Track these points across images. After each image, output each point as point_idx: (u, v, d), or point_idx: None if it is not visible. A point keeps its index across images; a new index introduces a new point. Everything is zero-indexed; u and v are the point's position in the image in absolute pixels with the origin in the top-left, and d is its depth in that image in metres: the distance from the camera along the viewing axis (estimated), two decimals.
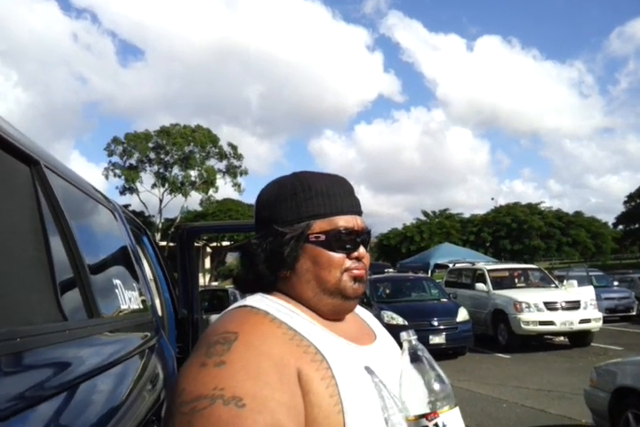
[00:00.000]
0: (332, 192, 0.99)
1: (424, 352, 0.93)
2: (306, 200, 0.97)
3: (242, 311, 0.93)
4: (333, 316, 1.00)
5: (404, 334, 0.95)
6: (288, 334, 0.89)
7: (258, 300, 0.96)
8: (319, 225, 0.96)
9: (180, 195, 39.30)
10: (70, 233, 1.42)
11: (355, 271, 0.98)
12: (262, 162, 68.69)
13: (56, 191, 1.40)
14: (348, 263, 0.97)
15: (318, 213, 0.97)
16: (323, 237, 0.96)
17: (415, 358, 0.92)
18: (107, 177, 38.74)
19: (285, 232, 0.96)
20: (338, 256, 0.97)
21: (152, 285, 3.16)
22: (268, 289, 0.99)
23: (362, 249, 0.99)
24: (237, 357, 0.82)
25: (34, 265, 1.20)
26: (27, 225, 1.24)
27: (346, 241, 0.97)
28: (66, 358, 1.23)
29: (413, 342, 0.94)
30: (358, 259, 0.99)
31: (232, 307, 0.96)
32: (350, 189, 1.03)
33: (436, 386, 0.89)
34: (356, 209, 1.01)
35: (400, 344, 1.10)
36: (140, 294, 2.24)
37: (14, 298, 1.06)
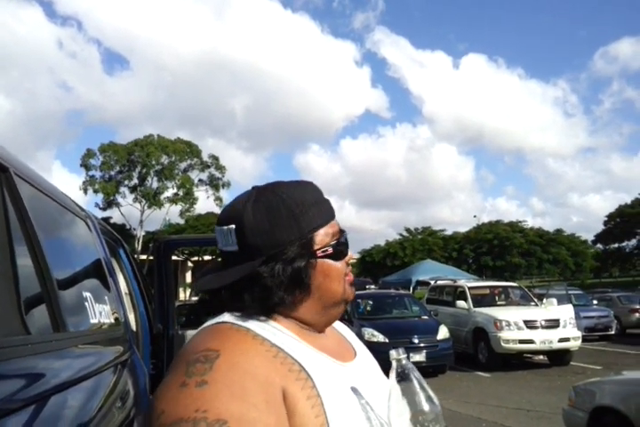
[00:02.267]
0: (317, 200, 0.96)
1: (414, 372, 0.89)
2: (302, 215, 0.92)
3: (222, 328, 0.88)
4: (326, 327, 0.98)
5: (393, 353, 0.90)
6: (272, 352, 0.85)
7: (237, 316, 0.91)
8: (319, 238, 0.93)
9: (158, 208, 38.61)
10: (38, 244, 1.38)
11: (350, 274, 0.97)
12: (247, 175, 68.54)
13: (25, 200, 1.36)
14: (345, 269, 0.96)
15: (315, 225, 0.93)
16: (330, 250, 0.93)
17: (405, 378, 0.88)
18: (85, 191, 37.53)
19: (294, 255, 0.90)
20: (340, 265, 0.95)
21: (127, 299, 3.10)
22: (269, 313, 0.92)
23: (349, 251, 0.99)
24: (220, 376, 0.77)
25: None
26: None
27: (345, 246, 0.96)
28: (28, 373, 1.18)
29: (403, 362, 0.90)
30: (347, 262, 0.98)
31: (209, 323, 0.91)
32: (322, 191, 1.01)
33: (426, 407, 0.86)
34: (334, 211, 1.00)
35: (378, 360, 1.08)
36: (113, 308, 2.18)
37: None
